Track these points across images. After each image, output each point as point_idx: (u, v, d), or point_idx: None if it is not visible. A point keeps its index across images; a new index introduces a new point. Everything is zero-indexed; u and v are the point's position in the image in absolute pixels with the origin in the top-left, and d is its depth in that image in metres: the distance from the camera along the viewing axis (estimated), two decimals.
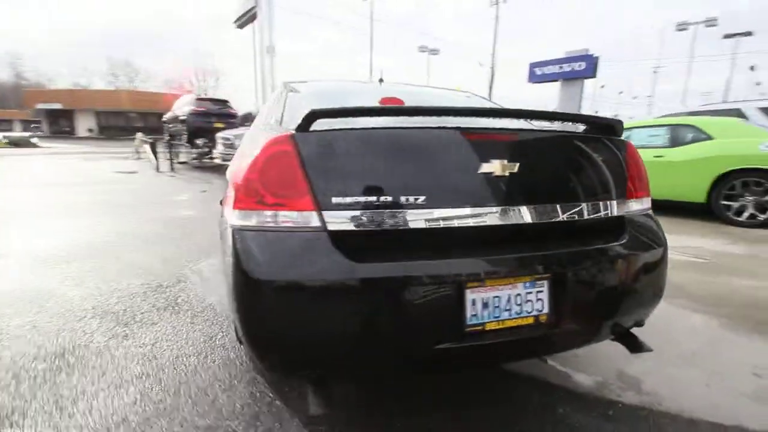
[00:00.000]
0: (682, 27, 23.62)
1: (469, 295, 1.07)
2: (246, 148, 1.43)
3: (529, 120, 1.45)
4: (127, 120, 36.44)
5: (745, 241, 3.89)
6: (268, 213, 1.06)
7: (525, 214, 1.16)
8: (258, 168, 1.08)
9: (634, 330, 1.36)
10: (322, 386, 1.05)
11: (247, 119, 3.43)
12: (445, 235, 1.10)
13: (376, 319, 1.02)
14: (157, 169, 10.33)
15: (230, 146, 9.54)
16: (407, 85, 2.35)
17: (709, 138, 4.71)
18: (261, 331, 1.06)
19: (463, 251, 1.10)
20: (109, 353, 1.80)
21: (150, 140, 11.90)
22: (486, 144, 1.16)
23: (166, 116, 13.44)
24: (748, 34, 22.71)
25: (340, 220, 1.04)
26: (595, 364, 1.75)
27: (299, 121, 1.07)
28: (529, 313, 1.13)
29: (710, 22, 22.68)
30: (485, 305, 1.09)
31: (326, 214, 1.04)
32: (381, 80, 2.34)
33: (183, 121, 11.84)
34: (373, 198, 1.06)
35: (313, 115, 1.05)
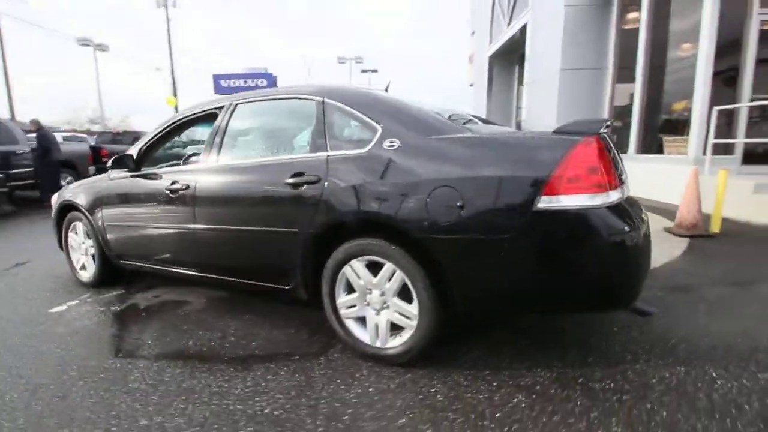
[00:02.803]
0: (342, 60, 30.74)
1: None
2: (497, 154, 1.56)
3: None
4: None
5: None
6: (612, 194, 1.42)
7: None
8: (596, 160, 1.40)
9: None
10: None
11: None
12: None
13: (643, 247, 1.61)
14: None
15: None
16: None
17: None
18: (621, 273, 1.43)
19: None
20: None
21: None
22: None
23: None
24: (375, 71, 32.61)
25: (624, 193, 1.56)
26: None
27: (598, 125, 1.47)
28: None
29: (358, 60, 30.78)
30: None
31: (620, 190, 1.53)
32: (387, 89, 2.50)
33: None
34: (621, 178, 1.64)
35: (607, 121, 1.49)
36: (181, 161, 2.81)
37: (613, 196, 1.46)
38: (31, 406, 1.61)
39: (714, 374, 1.65)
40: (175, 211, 2.34)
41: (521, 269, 1.49)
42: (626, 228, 1.43)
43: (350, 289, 1.88)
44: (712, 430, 1.34)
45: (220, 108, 2.36)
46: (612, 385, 1.60)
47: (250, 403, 1.58)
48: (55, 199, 3.24)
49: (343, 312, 1.90)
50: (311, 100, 2.02)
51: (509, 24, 10.14)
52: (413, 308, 1.70)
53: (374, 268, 1.78)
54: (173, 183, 2.34)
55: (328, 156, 1.84)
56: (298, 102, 2.09)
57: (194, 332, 2.22)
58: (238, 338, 2.14)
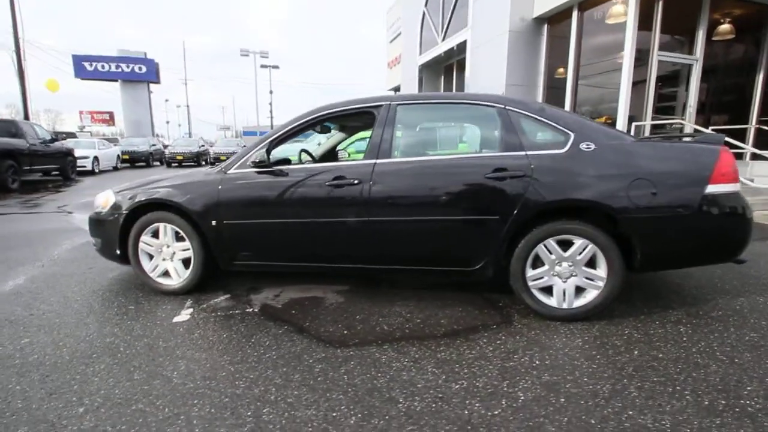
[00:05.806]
0: (244, 53, 28.86)
1: None
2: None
3: None
4: None
5: None
6: (738, 185, 2.15)
7: None
8: (734, 162, 2.10)
9: None
10: None
11: None
12: None
13: None
14: None
15: None
16: None
17: None
18: (746, 234, 2.16)
19: None
20: None
21: None
22: None
23: None
24: (276, 67, 31.51)
25: None
26: None
27: (722, 138, 2.19)
28: None
29: (263, 54, 29.31)
30: None
31: None
32: None
33: None
34: None
35: (724, 137, 2.23)
36: (298, 157, 2.80)
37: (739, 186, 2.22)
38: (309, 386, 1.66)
39: (760, 299, 2.57)
40: (340, 206, 2.41)
41: (691, 235, 2.15)
42: (748, 204, 2.20)
43: (534, 263, 2.30)
44: None
45: (377, 107, 2.51)
46: (720, 313, 2.38)
47: (515, 361, 1.90)
48: (112, 198, 2.81)
49: (531, 284, 2.31)
50: (492, 107, 2.37)
51: (444, 39, 11.22)
52: (601, 272, 2.22)
53: (561, 245, 2.25)
54: (337, 178, 2.40)
55: (528, 154, 2.24)
56: (476, 108, 2.42)
57: (375, 320, 2.35)
58: (422, 320, 2.36)
